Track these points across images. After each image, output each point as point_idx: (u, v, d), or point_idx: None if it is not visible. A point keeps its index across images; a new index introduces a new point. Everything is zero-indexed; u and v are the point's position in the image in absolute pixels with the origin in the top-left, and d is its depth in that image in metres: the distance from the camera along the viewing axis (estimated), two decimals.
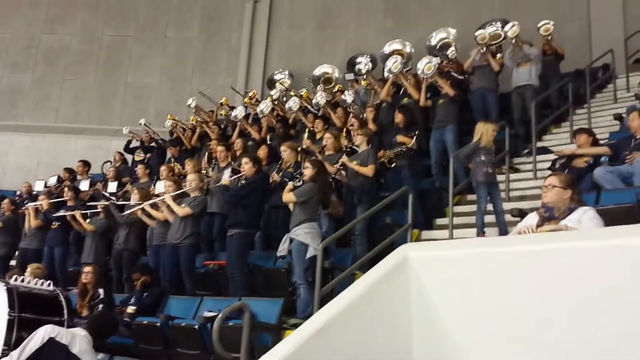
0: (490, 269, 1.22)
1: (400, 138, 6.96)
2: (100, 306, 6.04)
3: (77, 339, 4.01)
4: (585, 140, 6.04)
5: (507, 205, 6.15)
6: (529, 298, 1.15)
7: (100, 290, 6.29)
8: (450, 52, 8.90)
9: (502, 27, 9.03)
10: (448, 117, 7.42)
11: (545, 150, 7.53)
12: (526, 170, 7.25)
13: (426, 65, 7.89)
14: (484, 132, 5.99)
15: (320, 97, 8.97)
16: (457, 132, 7.32)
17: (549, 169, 6.22)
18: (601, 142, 6.43)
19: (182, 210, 6.42)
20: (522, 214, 4.78)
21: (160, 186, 7.62)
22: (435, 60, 8.13)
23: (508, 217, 5.61)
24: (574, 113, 8.29)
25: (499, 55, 8.62)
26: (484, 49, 8.29)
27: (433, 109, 7.81)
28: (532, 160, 7.07)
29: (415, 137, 6.92)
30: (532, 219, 3.71)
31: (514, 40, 8.32)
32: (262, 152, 7.60)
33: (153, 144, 10.87)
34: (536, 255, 1.17)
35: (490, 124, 6.20)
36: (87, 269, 6.42)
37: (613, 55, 9.64)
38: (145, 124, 10.98)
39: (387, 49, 10.72)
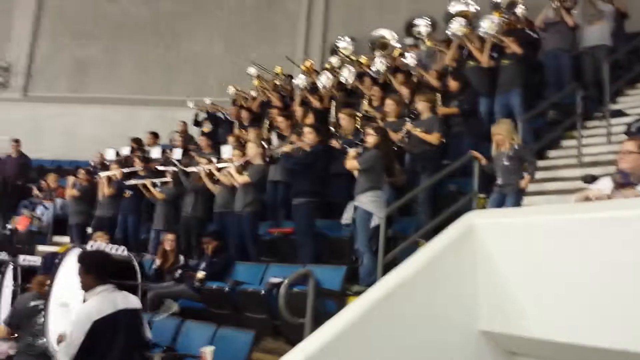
0: (561, 236, 1.18)
1: (443, 110, 6.78)
2: (179, 272, 6.38)
3: (127, 298, 3.68)
4: None
5: (579, 172, 5.92)
6: (601, 267, 1.11)
7: (181, 257, 6.66)
8: (520, 10, 8.47)
9: None
10: (513, 80, 7.10)
11: (619, 113, 7.14)
12: (599, 135, 6.91)
13: (488, 25, 7.60)
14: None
15: (379, 64, 8.79)
16: (524, 96, 7.03)
17: (625, 133, 5.92)
18: None
19: (242, 178, 6.62)
20: (594, 180, 4.59)
21: (225, 150, 7.78)
22: (498, 19, 7.79)
23: (578, 184, 5.38)
24: None
25: (572, 11, 8.11)
26: (557, 3, 7.84)
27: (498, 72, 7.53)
28: (606, 124, 6.73)
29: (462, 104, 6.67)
30: (605, 184, 3.57)
31: None
32: (308, 119, 7.50)
33: (220, 114, 11.05)
34: (610, 223, 1.12)
35: (496, 126, 5.53)
36: (169, 236, 6.77)
37: None
38: (212, 103, 11.14)
39: (451, 9, 10.36)
